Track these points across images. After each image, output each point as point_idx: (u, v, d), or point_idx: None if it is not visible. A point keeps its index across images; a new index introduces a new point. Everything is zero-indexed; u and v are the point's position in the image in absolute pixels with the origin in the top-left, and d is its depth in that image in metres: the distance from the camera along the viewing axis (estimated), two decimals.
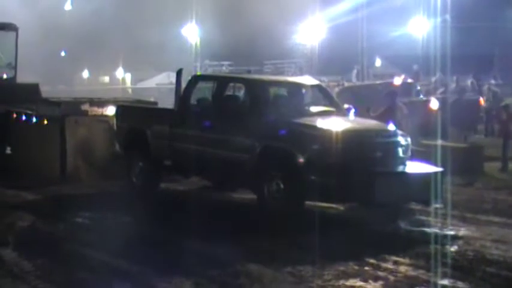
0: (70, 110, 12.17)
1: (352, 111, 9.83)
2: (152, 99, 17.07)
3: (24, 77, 16.56)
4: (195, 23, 39.74)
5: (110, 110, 12.22)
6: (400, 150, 8.75)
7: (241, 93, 10.51)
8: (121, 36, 42.95)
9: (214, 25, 36.84)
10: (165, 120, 10.28)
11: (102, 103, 12.73)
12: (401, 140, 8.83)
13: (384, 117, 10.55)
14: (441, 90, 18.96)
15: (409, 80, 19.55)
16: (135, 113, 11.49)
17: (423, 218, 8.90)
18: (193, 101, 10.18)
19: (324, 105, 9.97)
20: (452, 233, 8.10)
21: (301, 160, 8.27)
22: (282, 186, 8.45)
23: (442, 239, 7.68)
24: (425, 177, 8.62)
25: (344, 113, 9.69)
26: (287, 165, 8.44)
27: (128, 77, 54.80)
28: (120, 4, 41.19)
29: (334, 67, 34.52)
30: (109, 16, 40.57)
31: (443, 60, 19.77)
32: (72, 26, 41.78)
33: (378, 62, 42.70)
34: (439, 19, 28.01)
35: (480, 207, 9.74)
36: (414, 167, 8.82)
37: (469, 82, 20.81)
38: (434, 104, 13.41)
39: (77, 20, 41.81)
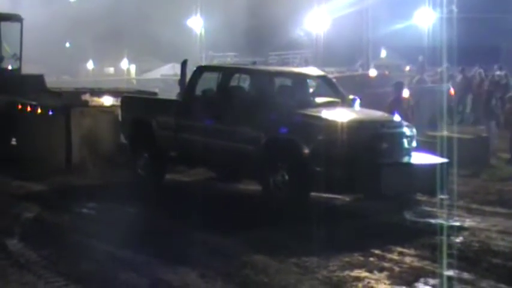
0: (71, 100, 12.20)
1: (358, 101, 9.75)
2: (157, 90, 17.10)
3: (29, 68, 16.55)
4: (199, 14, 39.72)
5: (108, 100, 12.25)
6: (405, 141, 8.73)
7: (246, 84, 10.49)
8: (126, 27, 42.91)
9: (220, 16, 36.77)
10: (170, 111, 10.27)
11: (103, 93, 12.79)
12: (407, 130, 8.81)
13: (391, 108, 10.55)
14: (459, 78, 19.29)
15: (386, 72, 19.90)
16: (140, 104, 11.45)
17: (428, 208, 8.88)
18: (198, 91, 10.14)
19: (330, 96, 9.94)
20: (457, 224, 8.09)
21: (307, 151, 8.26)
22: (287, 177, 8.44)
23: (448, 230, 7.66)
24: (431, 168, 8.62)
25: (349, 104, 9.62)
26: (292, 156, 8.42)
27: (133, 68, 54.77)
28: None
29: (340, 58, 34.39)
30: (114, 7, 40.50)
31: (450, 51, 19.72)
32: (77, 17, 41.76)
33: (383, 53, 42.53)
34: (445, 10, 27.89)
35: (486, 198, 9.70)
36: (419, 158, 8.80)
37: (477, 72, 20.71)
38: (405, 93, 13.61)
39: (82, 11, 41.78)
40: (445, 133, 12.77)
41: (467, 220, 8.30)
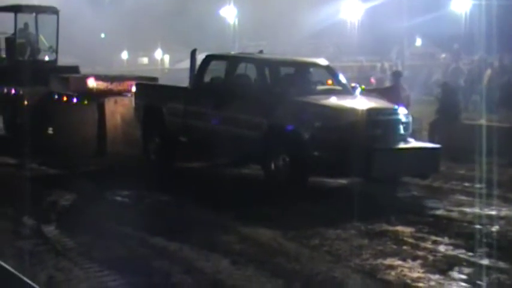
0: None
1: (358, 90, 10.15)
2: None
3: (65, 59, 16.79)
4: (233, 3, 39.72)
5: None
6: (400, 127, 9.03)
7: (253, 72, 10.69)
8: (161, 18, 43.14)
9: (254, 5, 36.73)
10: (179, 98, 10.57)
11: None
12: (403, 117, 9.11)
13: (387, 94, 10.94)
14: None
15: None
16: (152, 91, 11.79)
17: (464, 197, 8.77)
18: (207, 79, 10.45)
19: (332, 84, 10.21)
20: (493, 213, 7.96)
21: (305, 136, 8.59)
22: (287, 161, 8.75)
23: (483, 219, 7.56)
24: (421, 154, 9.12)
25: (349, 92, 9.94)
26: (292, 141, 8.74)
27: (167, 58, 55.15)
28: None
29: (374, 47, 34.07)
30: None
31: (488, 39, 19.36)
32: (112, 8, 42.16)
33: (419, 42, 41.99)
34: None
35: None
36: (413, 144, 9.17)
37: None
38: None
39: (117, 2, 42.15)
40: (483, 121, 12.57)
41: (504, 209, 8.16)
